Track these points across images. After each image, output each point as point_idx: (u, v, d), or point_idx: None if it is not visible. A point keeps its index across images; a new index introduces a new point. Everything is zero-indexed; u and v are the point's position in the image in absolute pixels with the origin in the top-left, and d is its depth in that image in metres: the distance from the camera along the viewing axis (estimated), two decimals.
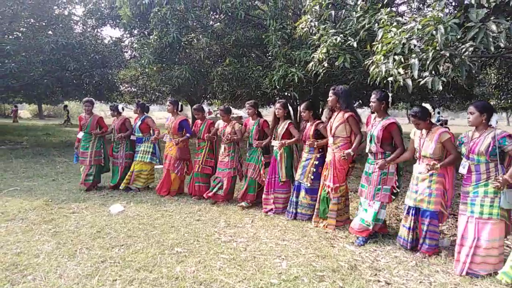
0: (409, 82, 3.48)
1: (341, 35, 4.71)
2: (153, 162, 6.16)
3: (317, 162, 4.62)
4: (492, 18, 3.08)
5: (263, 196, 5.10)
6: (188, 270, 3.18)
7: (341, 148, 4.26)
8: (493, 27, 2.91)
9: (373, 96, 4.08)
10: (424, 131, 3.67)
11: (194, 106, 6.13)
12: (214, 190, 5.47)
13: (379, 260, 3.47)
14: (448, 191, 3.54)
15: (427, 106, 3.72)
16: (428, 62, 3.35)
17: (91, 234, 4.06)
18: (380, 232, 4.07)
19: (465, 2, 3.50)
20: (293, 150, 5.03)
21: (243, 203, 5.26)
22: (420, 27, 3.39)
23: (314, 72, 5.12)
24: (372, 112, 4.20)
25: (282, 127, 4.95)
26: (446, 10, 3.43)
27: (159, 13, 7.71)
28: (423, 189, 3.57)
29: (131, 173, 6.12)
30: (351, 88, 6.24)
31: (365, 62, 4.16)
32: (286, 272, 3.17)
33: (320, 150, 4.67)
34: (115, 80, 14.62)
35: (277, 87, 7.29)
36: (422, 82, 3.47)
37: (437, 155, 3.54)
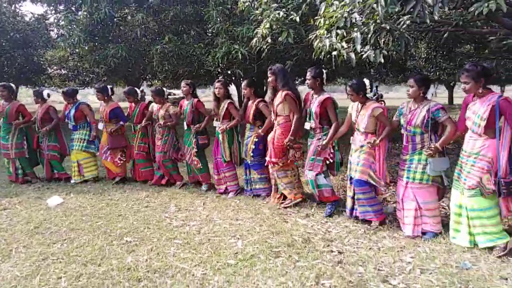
0: (352, 55, 3.52)
1: (284, 10, 4.66)
2: (90, 150, 5.71)
3: (256, 140, 4.64)
4: None
5: (215, 177, 5.05)
6: (140, 259, 3.04)
7: (281, 126, 4.28)
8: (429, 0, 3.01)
9: (308, 73, 4.16)
10: (359, 105, 3.83)
11: (125, 89, 5.85)
12: (159, 174, 5.43)
13: (330, 231, 3.59)
14: (379, 163, 3.70)
15: (366, 81, 3.85)
16: (369, 36, 3.42)
17: (28, 230, 3.72)
18: (331, 201, 4.14)
19: None
20: (233, 130, 4.95)
21: (202, 187, 5.20)
22: (361, 0, 3.43)
23: (258, 48, 5.04)
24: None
25: (222, 107, 4.85)
26: None
27: None
28: (354, 159, 3.79)
29: (77, 164, 5.66)
30: (295, 64, 6.27)
31: (309, 37, 4.16)
32: (242, 251, 3.16)
33: (259, 127, 4.67)
34: (42, 62, 13.39)
35: (221, 65, 7.12)
36: (364, 56, 3.54)
37: (370, 129, 3.72)
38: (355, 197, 3.79)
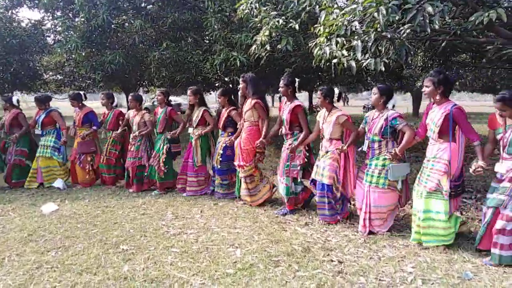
0: (353, 64, 3.52)
1: (283, 17, 4.66)
2: (54, 157, 5.63)
3: (225, 145, 4.83)
4: (426, 0, 3.20)
5: (179, 176, 5.27)
6: (137, 268, 2.97)
7: (247, 131, 4.52)
8: (429, 8, 3.01)
9: (281, 81, 4.32)
10: (326, 113, 4.02)
11: (102, 93, 5.95)
12: (127, 179, 5.55)
13: (330, 240, 3.54)
14: (343, 169, 3.87)
15: (336, 89, 4.09)
16: (370, 44, 3.42)
17: (21, 238, 3.64)
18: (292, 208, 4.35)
19: None
20: (209, 136, 5.16)
21: (153, 193, 5.31)
22: (361, 8, 3.43)
23: (256, 56, 5.04)
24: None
25: (197, 114, 5.04)
26: None
27: None
28: (320, 163, 3.97)
29: (36, 170, 5.63)
30: (293, 72, 6.28)
31: (309, 45, 4.16)
32: (241, 260, 3.10)
33: (230, 134, 4.87)
34: (38, 68, 13.30)
35: (219, 71, 7.12)
36: (365, 64, 3.54)
37: (336, 135, 3.93)
38: (317, 200, 4.02)
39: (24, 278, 2.83)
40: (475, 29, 4.79)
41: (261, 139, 4.39)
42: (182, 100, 20.76)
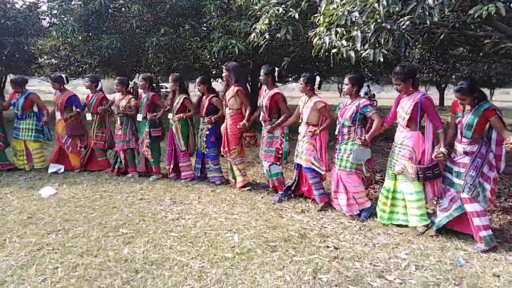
0: (352, 54, 3.55)
1: (283, 6, 4.66)
2: (39, 140, 5.67)
3: (208, 132, 5.03)
4: None
5: (167, 167, 5.40)
6: (137, 251, 3.03)
7: (232, 118, 4.72)
8: (430, 1, 3.04)
9: (261, 71, 4.57)
10: (306, 99, 4.25)
11: (86, 76, 6.10)
12: (116, 165, 5.62)
13: (326, 227, 3.62)
14: (319, 151, 4.14)
15: (317, 77, 4.30)
16: (369, 35, 3.44)
17: (21, 220, 3.68)
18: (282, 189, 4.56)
19: None
20: (188, 123, 5.30)
21: (150, 178, 5.42)
22: None
23: (255, 44, 5.04)
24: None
25: (177, 101, 5.18)
26: None
27: None
28: (299, 148, 4.27)
29: (24, 153, 5.66)
30: (292, 61, 6.28)
31: (308, 34, 4.17)
32: (239, 245, 3.17)
33: (213, 121, 5.04)
34: (33, 51, 13.14)
35: (217, 59, 7.09)
36: (364, 54, 3.57)
37: (313, 120, 4.15)
38: (310, 181, 4.24)
39: (26, 259, 2.88)
40: (474, 23, 4.83)
41: (244, 121, 4.59)
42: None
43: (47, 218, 3.77)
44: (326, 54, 3.81)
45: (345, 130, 3.92)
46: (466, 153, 3.23)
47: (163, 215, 3.91)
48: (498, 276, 2.68)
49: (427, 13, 3.14)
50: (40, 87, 31.57)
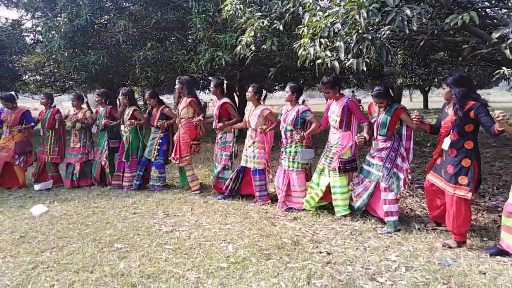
0: (336, 64, 3.67)
1: (267, 19, 4.78)
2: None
3: (160, 141, 5.43)
4: (404, 3, 3.37)
5: (115, 173, 5.67)
6: (132, 265, 3.06)
7: (184, 126, 5.18)
8: (408, 11, 3.18)
9: (212, 83, 5.17)
10: (252, 107, 4.70)
11: (42, 93, 6.32)
12: (70, 177, 5.79)
13: (318, 233, 3.70)
14: (267, 154, 4.63)
15: (264, 90, 4.98)
16: (352, 45, 3.58)
17: (14, 240, 3.66)
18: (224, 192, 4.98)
19: None
20: (139, 133, 5.63)
21: (108, 187, 5.72)
22: (343, 11, 3.58)
23: (242, 55, 5.15)
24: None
25: (127, 113, 5.53)
26: None
27: None
28: (249, 153, 4.66)
29: None
30: (278, 71, 6.41)
31: (293, 45, 4.29)
32: (233, 254, 3.22)
33: (164, 130, 5.47)
34: (17, 68, 13.05)
35: (204, 71, 7.18)
36: (347, 64, 3.69)
37: (259, 126, 4.56)
38: (256, 184, 4.66)
39: (21, 278, 2.87)
40: (452, 29, 5.03)
41: (199, 117, 5.02)
42: (166, 99, 20.72)
43: (40, 236, 3.76)
44: (311, 64, 3.93)
45: (288, 134, 4.40)
46: (382, 149, 3.81)
47: (157, 228, 3.94)
48: (484, 273, 2.78)
49: (405, 22, 3.29)
50: (26, 104, 31.25)
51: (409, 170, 3.91)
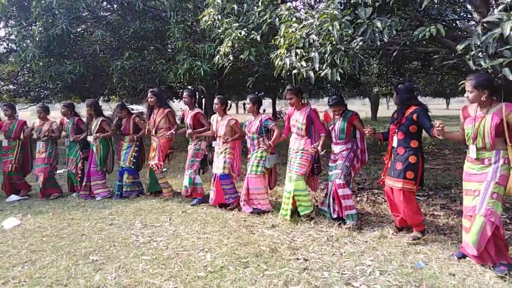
0: (311, 74, 3.76)
1: (245, 29, 4.86)
2: None
3: (137, 148, 5.67)
4: (376, 16, 3.51)
5: (84, 183, 5.70)
6: (108, 277, 3.01)
7: (163, 137, 5.33)
8: (378, 24, 3.31)
9: (185, 93, 5.35)
10: (218, 118, 4.94)
11: (4, 105, 6.25)
12: (39, 189, 5.73)
13: (295, 240, 3.74)
14: (236, 160, 4.89)
15: (229, 101, 5.24)
16: (326, 56, 3.68)
17: None
18: (200, 197, 5.19)
19: (352, 0, 3.89)
20: (108, 142, 5.73)
21: (73, 195, 5.85)
22: (318, 23, 3.69)
23: (220, 65, 5.20)
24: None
25: (95, 124, 5.64)
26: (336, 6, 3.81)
27: (43, 1, 6.91)
28: (220, 159, 4.86)
29: None
30: (256, 80, 6.49)
31: (270, 56, 4.38)
32: (211, 264, 3.22)
33: (137, 139, 5.65)
34: None
35: (183, 80, 7.20)
36: (322, 74, 3.79)
37: (227, 135, 4.83)
38: (224, 188, 4.83)
39: None
40: (422, 40, 5.23)
41: (171, 131, 5.26)
42: (143, 108, 20.60)
43: (12, 250, 3.66)
44: (288, 74, 4.01)
45: (255, 141, 4.69)
46: (343, 150, 4.15)
47: (134, 239, 3.89)
48: (454, 275, 2.88)
49: (377, 34, 3.41)
50: None
51: (359, 169, 4.52)
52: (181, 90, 10.33)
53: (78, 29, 8.71)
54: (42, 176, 5.67)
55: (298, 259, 3.27)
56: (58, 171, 6.30)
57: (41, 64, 8.37)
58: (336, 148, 4.24)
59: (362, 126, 4.12)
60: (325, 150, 4.36)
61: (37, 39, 7.51)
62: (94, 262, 3.32)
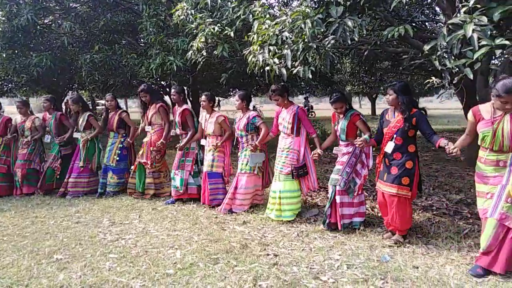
0: (284, 71, 3.78)
1: (218, 25, 4.81)
2: None
3: (121, 145, 5.42)
4: (347, 15, 3.55)
5: (66, 179, 5.44)
6: (73, 276, 2.92)
7: (156, 133, 5.13)
8: (349, 23, 3.36)
9: (173, 90, 5.16)
10: (207, 115, 4.80)
11: None
12: (17, 185, 5.51)
13: (266, 236, 3.76)
14: (227, 158, 4.77)
15: (217, 97, 5.01)
16: (298, 53, 3.70)
17: None
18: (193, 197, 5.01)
19: None
20: (94, 139, 5.52)
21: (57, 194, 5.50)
22: (290, 20, 3.71)
23: (193, 60, 5.14)
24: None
25: (82, 119, 5.43)
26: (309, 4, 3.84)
27: None
28: (209, 157, 4.74)
29: None
30: (230, 76, 6.45)
31: (243, 52, 4.36)
32: (181, 261, 3.18)
33: (123, 135, 5.45)
34: None
35: (155, 75, 7.06)
36: (294, 71, 3.81)
37: (217, 132, 4.72)
38: (210, 187, 4.70)
39: None
40: (392, 40, 5.36)
41: (161, 140, 5.03)
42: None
43: None
44: (261, 70, 4.01)
45: (244, 139, 4.56)
46: (344, 154, 3.88)
47: (102, 237, 3.79)
48: (417, 268, 2.98)
49: (347, 33, 3.46)
50: None
51: (366, 177, 3.96)
52: (152, 86, 10.13)
53: (46, 20, 8.38)
54: (20, 172, 5.41)
55: (268, 254, 3.29)
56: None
57: (4, 56, 8.01)
58: (337, 150, 3.99)
59: (366, 127, 3.85)
60: (317, 151, 4.06)
61: (0, 29, 7.18)
62: (58, 261, 3.21)
